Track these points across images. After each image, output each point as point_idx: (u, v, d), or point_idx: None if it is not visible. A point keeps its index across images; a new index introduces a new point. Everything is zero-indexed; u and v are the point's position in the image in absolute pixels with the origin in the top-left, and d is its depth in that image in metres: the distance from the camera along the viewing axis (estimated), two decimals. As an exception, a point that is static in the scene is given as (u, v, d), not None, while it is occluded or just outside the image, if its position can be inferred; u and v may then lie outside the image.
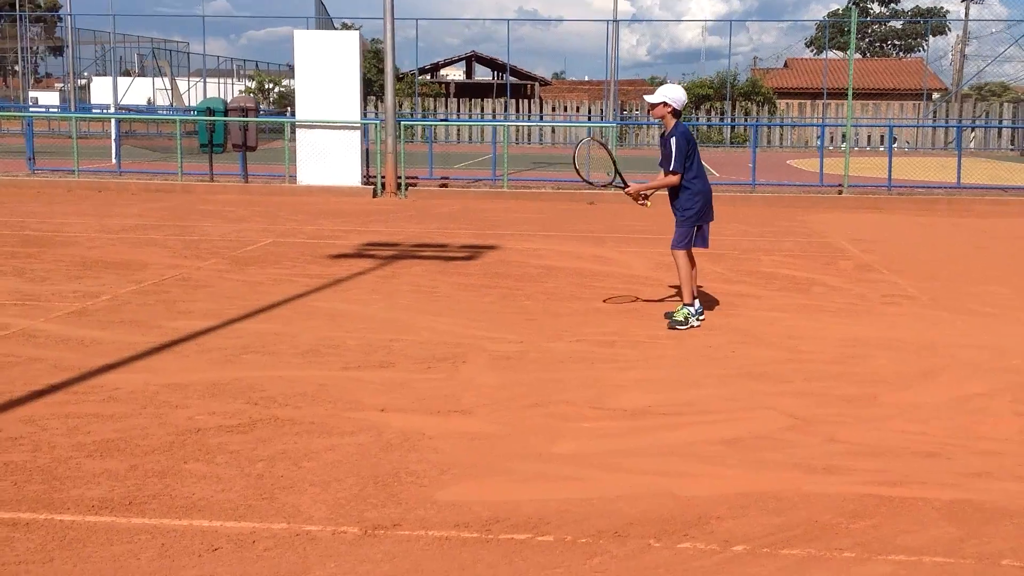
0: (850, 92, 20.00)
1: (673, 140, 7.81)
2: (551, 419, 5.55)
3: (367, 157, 19.93)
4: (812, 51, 73.52)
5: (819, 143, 28.33)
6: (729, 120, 47.54)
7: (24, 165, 22.75)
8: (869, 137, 47.34)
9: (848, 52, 19.99)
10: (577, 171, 8.56)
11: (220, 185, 19.55)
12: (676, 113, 7.87)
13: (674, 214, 8.08)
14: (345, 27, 49.14)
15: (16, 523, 4.00)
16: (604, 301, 8.90)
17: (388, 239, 12.94)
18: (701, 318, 7.99)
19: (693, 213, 7.95)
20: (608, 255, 11.87)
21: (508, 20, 47.96)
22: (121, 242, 12.10)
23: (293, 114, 43.56)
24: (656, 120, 8.07)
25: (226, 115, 19.68)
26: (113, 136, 26.12)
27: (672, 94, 7.87)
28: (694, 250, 8.13)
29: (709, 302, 8.85)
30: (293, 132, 20.20)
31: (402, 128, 19.58)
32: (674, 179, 7.90)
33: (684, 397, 5.99)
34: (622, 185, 8.31)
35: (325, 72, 18.74)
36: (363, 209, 16.82)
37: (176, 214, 15.40)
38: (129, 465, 4.69)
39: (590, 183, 9.15)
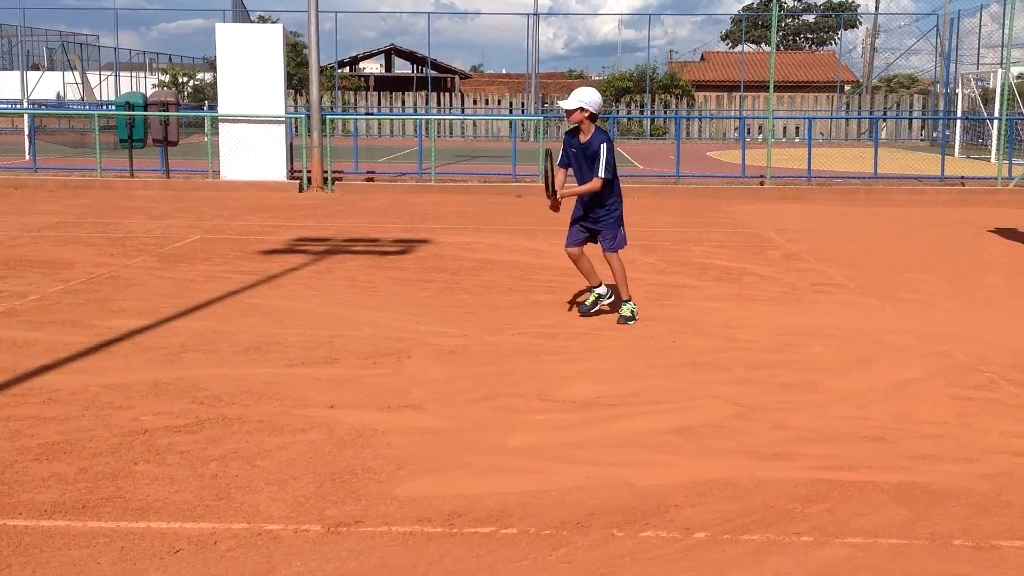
0: (771, 85, 20.36)
1: (602, 147, 7.62)
2: (502, 412, 5.57)
3: (291, 152, 19.70)
4: (728, 45, 74.60)
5: (740, 135, 28.75)
6: (649, 113, 48.00)
7: (-68, 162, 22.05)
8: (785, 129, 48.20)
9: (769, 45, 20.31)
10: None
11: (141, 181, 19.16)
12: (593, 117, 7.69)
13: (595, 219, 7.91)
14: (262, 20, 48.54)
15: (-34, 530, 3.90)
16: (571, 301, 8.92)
17: (319, 234, 12.83)
18: (611, 299, 8.11)
19: (619, 214, 7.95)
20: (541, 248, 11.92)
21: (428, 13, 47.89)
22: (44, 240, 11.80)
23: (211, 108, 42.89)
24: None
25: (146, 109, 19.28)
26: (26, 131, 25.42)
27: (588, 98, 7.64)
28: (588, 247, 8.07)
29: (642, 294, 8.95)
30: (215, 126, 19.88)
31: (328, 122, 19.40)
32: (598, 184, 7.69)
33: (631, 388, 6.06)
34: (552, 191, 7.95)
35: (248, 66, 18.47)
36: (290, 204, 16.63)
37: (98, 211, 15.06)
38: (78, 468, 4.59)
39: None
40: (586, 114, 7.63)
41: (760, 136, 43.18)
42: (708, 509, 4.24)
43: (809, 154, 21.27)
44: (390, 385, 6.06)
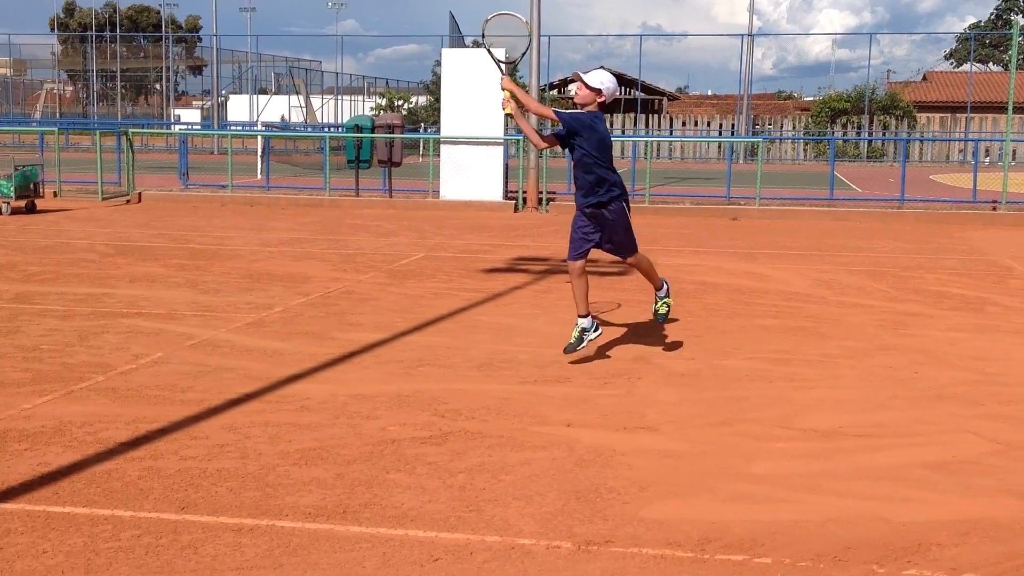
0: (1010, 106, 19.29)
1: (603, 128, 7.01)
2: (741, 438, 5.47)
3: (507, 172, 20.08)
4: (952, 64, 71.36)
5: (973, 158, 27.38)
6: (866, 135, 46.40)
7: (176, 180, 23.63)
8: (1015, 152, 45.62)
9: (1010, 64, 19.28)
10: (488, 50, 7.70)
11: (366, 200, 19.95)
12: (601, 106, 7.02)
13: (620, 223, 7.23)
14: (476, 44, 49.77)
15: (240, 528, 4.12)
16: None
17: (537, 254, 13.00)
18: (598, 332, 7.20)
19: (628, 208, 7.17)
20: (762, 271, 11.68)
21: (639, 36, 47.68)
22: (281, 255, 12.45)
23: (424, 130, 44.24)
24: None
25: (373, 132, 20.07)
26: (259, 152, 26.93)
27: (610, 85, 6.96)
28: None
29: (875, 322, 8.62)
30: (435, 148, 20.49)
31: (544, 143, 19.66)
32: (546, 110, 7.08)
33: (875, 419, 5.84)
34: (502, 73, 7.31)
35: (470, 89, 18.96)
36: (506, 224, 16.94)
37: (327, 228, 15.77)
38: (335, 474, 4.79)
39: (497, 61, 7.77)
40: (602, 98, 6.95)
41: (987, 159, 40.99)
42: (973, 549, 4.03)
43: (1048, 178, 20.05)
44: (624, 406, 6.06)
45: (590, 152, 6.96)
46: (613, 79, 7.09)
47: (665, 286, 7.59)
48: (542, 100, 50.40)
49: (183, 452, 5.05)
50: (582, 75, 6.98)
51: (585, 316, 7.12)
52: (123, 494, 4.47)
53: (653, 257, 12.53)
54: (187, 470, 4.79)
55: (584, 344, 7.11)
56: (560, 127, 6.98)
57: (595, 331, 7.15)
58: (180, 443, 5.19)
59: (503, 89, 7.08)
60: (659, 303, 7.54)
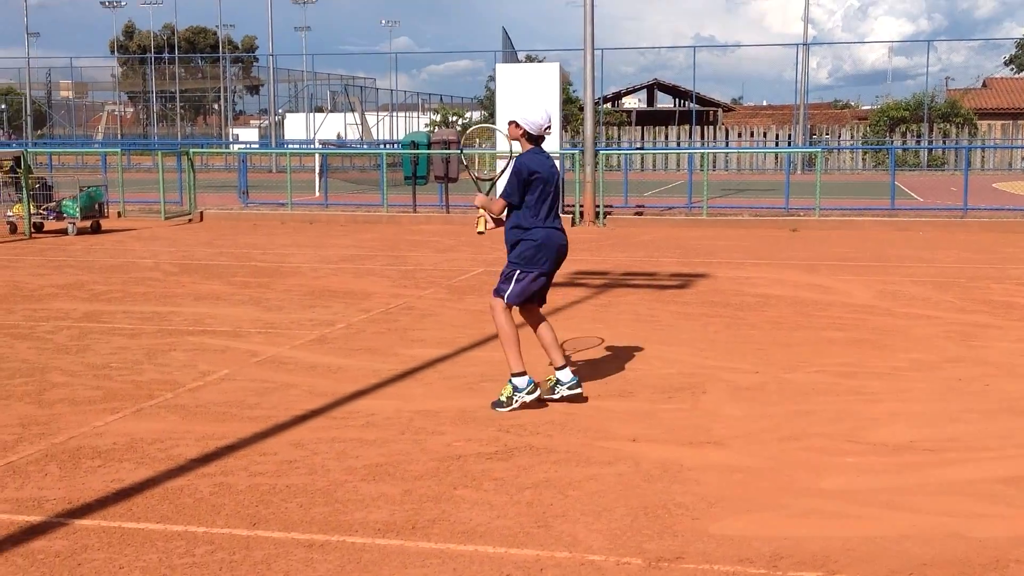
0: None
1: (509, 164, 6.48)
2: (810, 453, 5.40)
3: (563, 185, 20.07)
4: (1012, 70, 70.14)
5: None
6: (926, 143, 45.75)
7: (235, 199, 23.96)
8: (1080, 158, 44.74)
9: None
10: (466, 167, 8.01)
11: (423, 216, 20.08)
12: (530, 138, 6.36)
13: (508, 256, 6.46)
14: (528, 59, 49.89)
15: (312, 544, 4.15)
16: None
17: (596, 268, 12.97)
18: (574, 391, 6.32)
19: (524, 255, 6.32)
20: (825, 283, 11.55)
21: (693, 47, 47.50)
22: (342, 272, 12.55)
23: (479, 145, 44.42)
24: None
25: (429, 148, 20.20)
26: (317, 170, 27.22)
27: (527, 116, 6.34)
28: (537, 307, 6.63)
29: (942, 333, 8.49)
30: (491, 162, 20.55)
31: (601, 157, 19.65)
32: (498, 204, 6.37)
33: (947, 432, 5.74)
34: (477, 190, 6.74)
35: (525, 103, 18.97)
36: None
37: (386, 244, 15.88)
38: (402, 490, 4.81)
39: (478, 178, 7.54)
40: (520, 131, 6.39)
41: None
42: (1054, 567, 3.94)
43: (1116, 185, 19.61)
44: (689, 420, 6.02)
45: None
46: (530, 108, 6.41)
47: (574, 378, 6.43)
48: (596, 115, 50.40)
49: (252, 468, 5.11)
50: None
51: (561, 368, 6.39)
52: (195, 510, 4.52)
53: (714, 270, 12.51)
54: (257, 486, 4.84)
55: (558, 395, 6.36)
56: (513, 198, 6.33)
57: (570, 387, 6.34)
58: (249, 459, 5.25)
59: (477, 206, 6.55)
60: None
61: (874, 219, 19.13)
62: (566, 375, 6.37)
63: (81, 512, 4.50)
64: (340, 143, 42.19)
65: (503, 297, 6.33)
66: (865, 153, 45.90)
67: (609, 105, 61.79)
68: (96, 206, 17.84)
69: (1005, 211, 20.26)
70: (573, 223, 19.14)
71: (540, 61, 47.73)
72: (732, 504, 4.64)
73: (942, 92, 53.03)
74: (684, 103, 57.93)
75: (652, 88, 69.91)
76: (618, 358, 7.65)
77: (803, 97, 44.22)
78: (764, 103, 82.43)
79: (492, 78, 52.86)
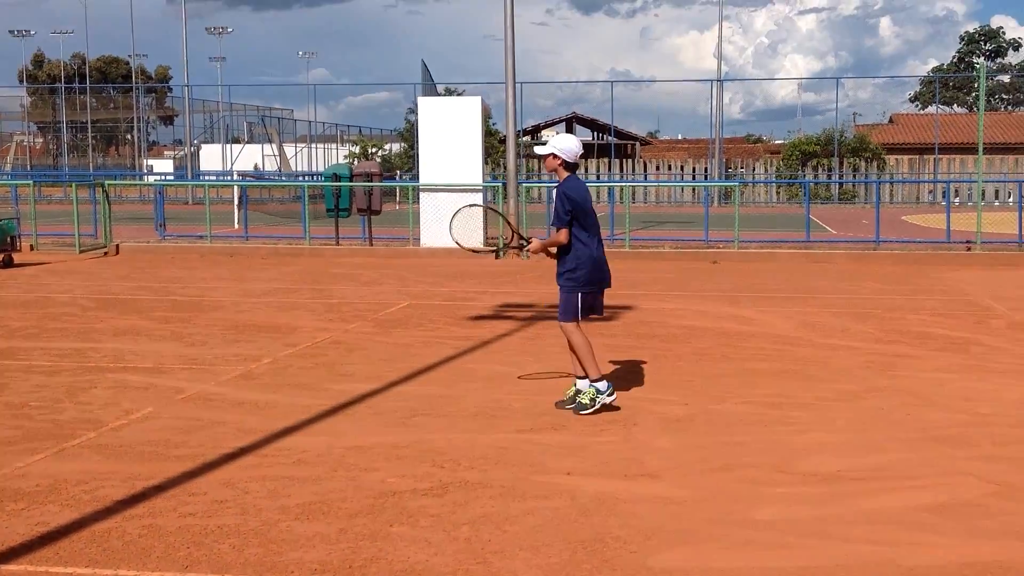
0: (980, 147, 19.58)
1: (555, 192, 7.10)
2: (742, 484, 5.47)
3: (486, 218, 20.12)
4: (917, 106, 72.44)
5: (945, 199, 27.78)
6: (837, 177, 46.92)
7: (152, 231, 23.54)
8: (984, 192, 46.31)
9: (977, 106, 19.61)
10: (457, 243, 8.16)
11: (347, 248, 19.95)
12: (568, 165, 7.04)
13: (557, 281, 7.17)
14: (448, 92, 50.09)
15: (247, 586, 4.07)
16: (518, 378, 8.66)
17: (522, 300, 13.01)
18: (612, 396, 6.98)
19: (575, 277, 6.99)
20: (747, 314, 11.74)
21: (611, 82, 48.27)
22: (266, 306, 12.39)
23: (399, 177, 44.35)
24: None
25: (352, 180, 20.12)
26: (235, 202, 26.90)
27: (561, 144, 7.05)
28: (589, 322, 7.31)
29: (863, 363, 8.69)
30: (415, 195, 20.54)
31: (523, 189, 19.76)
32: (560, 236, 6.98)
33: (873, 462, 5.86)
34: (523, 244, 7.39)
35: (448, 136, 19.07)
36: (488, 271, 16.96)
37: (310, 277, 15.73)
38: (338, 528, 4.74)
39: (475, 251, 8.46)
40: (559, 161, 7.03)
41: (957, 200, 41.51)
42: (984, 593, 4.03)
43: (1020, 218, 20.30)
44: (622, 453, 6.05)
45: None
46: (563, 136, 7.23)
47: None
48: (517, 147, 50.78)
49: (182, 509, 4.99)
50: (537, 150, 7.20)
51: (582, 377, 7.10)
52: (125, 553, 4.40)
53: (639, 302, 12.63)
54: (188, 527, 4.73)
55: (573, 404, 7.05)
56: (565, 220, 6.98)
57: (577, 404, 7.02)
58: (178, 500, 5.14)
59: (537, 251, 7.25)
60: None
61: (791, 251, 19.52)
62: (584, 384, 7.04)
63: (6, 557, 4.35)
64: (258, 174, 41.76)
65: (571, 319, 7.03)
66: (779, 186, 46.90)
67: (529, 138, 62.25)
68: (8, 239, 17.39)
69: (916, 243, 20.84)
70: (497, 256, 19.17)
71: (460, 94, 47.95)
72: (669, 536, 4.67)
73: (850, 127, 54.53)
74: (602, 136, 58.63)
75: (571, 121, 70.61)
76: (548, 391, 7.66)
77: (719, 131, 45.08)
78: (680, 137, 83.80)
79: (412, 110, 52.88)
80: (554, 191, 7.23)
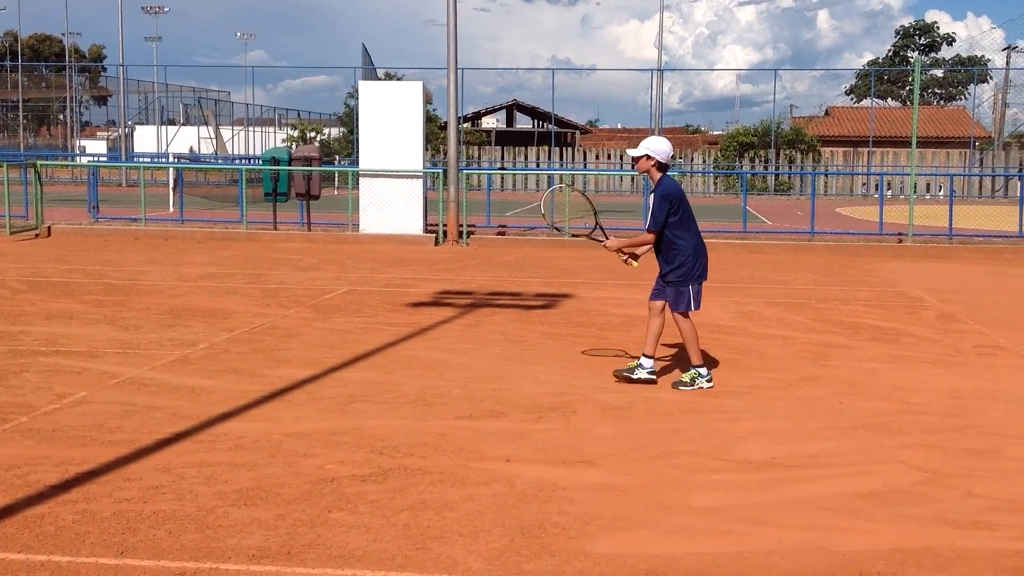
0: (914, 141, 19.96)
1: (651, 197, 7.39)
2: (679, 471, 5.54)
3: (426, 205, 20.07)
4: (852, 99, 73.54)
5: (878, 192, 28.29)
6: (773, 168, 47.52)
7: (84, 214, 23.12)
8: (916, 185, 47.20)
9: (912, 100, 19.96)
10: (543, 216, 8.56)
11: (285, 233, 19.76)
12: (661, 166, 7.39)
13: (663, 275, 7.57)
14: (388, 77, 49.76)
15: (183, 572, 4.04)
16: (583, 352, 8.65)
17: (461, 287, 13.00)
18: (711, 383, 7.46)
19: (683, 272, 7.44)
20: (684, 304, 11.83)
21: (552, 70, 48.25)
22: (202, 290, 12.24)
23: (338, 162, 44.01)
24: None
25: (291, 164, 19.92)
26: (171, 185, 26.51)
27: (655, 146, 7.36)
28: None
29: (798, 352, 8.83)
30: (355, 181, 20.42)
31: (464, 177, 19.72)
32: (649, 238, 7.46)
33: (807, 449, 5.96)
34: (601, 239, 7.94)
35: (388, 121, 18.96)
36: (428, 257, 16.92)
37: (247, 262, 15.56)
38: (276, 514, 4.72)
39: (557, 228, 8.81)
40: (652, 162, 7.35)
41: (890, 192, 42.28)
42: (912, 578, 4.13)
43: (950, 211, 20.76)
44: (561, 440, 6.09)
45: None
46: (654, 138, 7.52)
47: (651, 373, 7.66)
48: (458, 133, 50.65)
49: (117, 495, 4.93)
50: (629, 151, 7.52)
51: (648, 357, 7.58)
52: (58, 539, 4.34)
53: (579, 291, 12.69)
54: (123, 513, 4.67)
55: (635, 376, 7.58)
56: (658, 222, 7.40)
57: (641, 376, 7.56)
58: (113, 485, 5.07)
59: (613, 249, 7.76)
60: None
61: (727, 242, 19.72)
62: (648, 363, 7.54)
63: (-67, 544, 4.26)
64: (194, 157, 41.15)
65: (684, 310, 7.45)
66: (716, 177, 47.37)
67: (469, 125, 62.15)
68: (-66, 219, 16.94)
69: (849, 235, 21.18)
70: (436, 242, 19.15)
71: (400, 79, 47.69)
72: (607, 522, 4.72)
73: (787, 119, 55.20)
74: (543, 124, 58.66)
75: (511, 109, 70.64)
76: (488, 378, 7.69)
77: (658, 121, 45.35)
78: (619, 126, 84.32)
79: (351, 95, 52.45)
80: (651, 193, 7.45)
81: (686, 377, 7.49)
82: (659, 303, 7.64)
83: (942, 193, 43.20)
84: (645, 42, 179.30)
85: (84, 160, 43.18)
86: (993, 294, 13.30)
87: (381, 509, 4.82)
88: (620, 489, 5.21)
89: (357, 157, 19.96)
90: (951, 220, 20.61)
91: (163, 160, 38.50)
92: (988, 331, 10.16)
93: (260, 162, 22.04)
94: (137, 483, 5.11)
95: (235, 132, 55.34)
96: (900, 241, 19.50)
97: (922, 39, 77.11)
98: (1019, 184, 33.09)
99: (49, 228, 19.82)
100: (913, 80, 20.17)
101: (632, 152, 7.50)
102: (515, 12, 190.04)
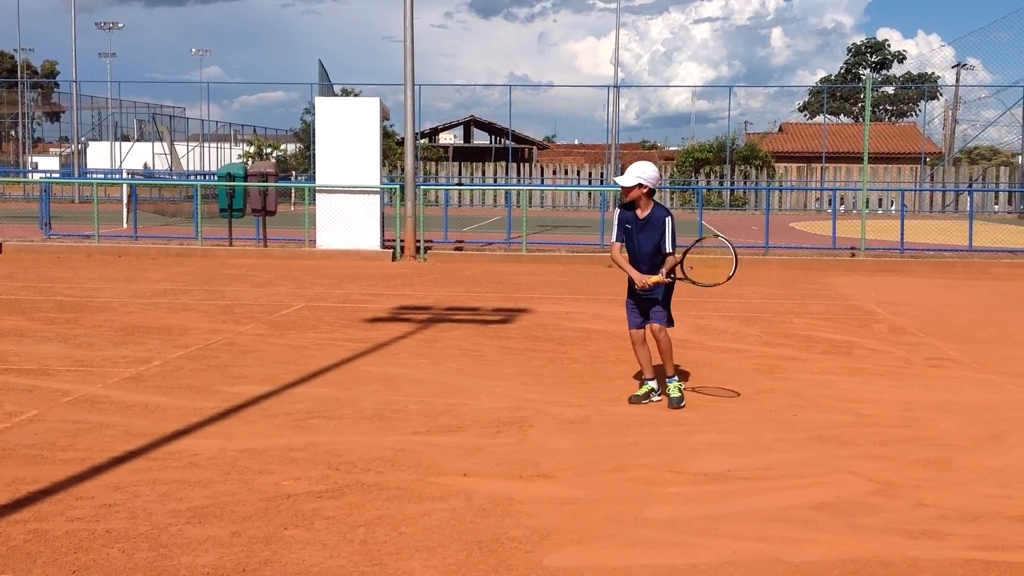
0: (865, 157, 20.24)
1: (667, 221, 7.39)
2: (635, 484, 5.57)
3: (383, 221, 20.05)
4: (805, 116, 74.47)
5: (831, 206, 28.65)
6: (728, 184, 47.97)
7: (36, 230, 22.84)
8: (868, 200, 47.82)
9: (864, 116, 20.27)
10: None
11: (240, 249, 19.63)
12: (651, 192, 7.41)
13: (659, 296, 7.58)
14: (345, 93, 49.68)
15: (137, 591, 3.99)
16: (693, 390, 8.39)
17: (419, 303, 12.99)
18: (660, 398, 7.58)
19: (672, 291, 7.67)
20: (641, 318, 11.90)
21: (509, 86, 48.41)
22: (156, 307, 12.13)
23: (295, 178, 43.82)
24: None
25: (246, 180, 19.81)
26: (125, 201, 26.25)
27: (645, 174, 7.32)
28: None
29: (752, 366, 8.91)
30: (311, 196, 20.34)
31: (421, 192, 19.72)
32: (674, 259, 7.50)
33: (761, 461, 6.02)
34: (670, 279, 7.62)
35: (345, 137, 18.93)
36: (385, 273, 16.89)
37: (202, 278, 15.44)
38: (231, 532, 4.68)
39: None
40: (644, 190, 7.34)
41: (843, 207, 42.83)
42: (864, 587, 4.18)
43: (902, 225, 21.06)
44: (518, 454, 6.10)
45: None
46: (642, 164, 7.45)
47: (659, 388, 7.70)
48: (415, 149, 50.61)
49: (69, 513, 4.87)
50: (618, 180, 7.44)
51: (652, 379, 7.64)
52: (9, 558, 4.28)
53: (536, 306, 12.73)
54: (75, 532, 4.62)
55: (649, 400, 7.56)
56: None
57: (659, 395, 7.60)
58: (65, 504, 5.01)
59: (647, 285, 7.49)
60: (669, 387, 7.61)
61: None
62: (656, 384, 7.62)
63: None
64: (148, 173, 40.79)
65: (671, 325, 7.66)
66: (673, 192, 47.73)
67: (426, 140, 62.15)
68: None
69: (803, 249, 21.42)
70: (394, 258, 19.12)
71: (357, 94, 47.61)
72: (563, 536, 4.73)
73: (742, 135, 55.84)
74: (500, 140, 58.79)
75: (469, 124, 70.79)
76: (445, 393, 7.68)
77: (615, 137, 45.64)
78: (576, 142, 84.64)
79: (308, 110, 52.29)
80: (651, 218, 7.44)
81: (675, 393, 7.45)
82: (642, 331, 7.66)
83: (894, 208, 43.85)
84: (602, 59, 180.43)
85: (36, 176, 42.66)
86: (944, 307, 13.51)
87: (338, 525, 4.80)
88: (577, 502, 5.23)
89: (314, 173, 19.87)
90: (903, 234, 20.91)
91: (116, 176, 38.09)
92: (939, 343, 10.32)
93: (216, 178, 21.88)
94: (90, 501, 5.05)
95: (190, 148, 54.99)
96: (853, 255, 19.75)
97: (874, 56, 78.37)
98: (969, 199, 33.75)
99: (0, 245, 19.53)
100: (865, 97, 20.48)
101: (623, 182, 7.39)
102: (472, 29, 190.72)
